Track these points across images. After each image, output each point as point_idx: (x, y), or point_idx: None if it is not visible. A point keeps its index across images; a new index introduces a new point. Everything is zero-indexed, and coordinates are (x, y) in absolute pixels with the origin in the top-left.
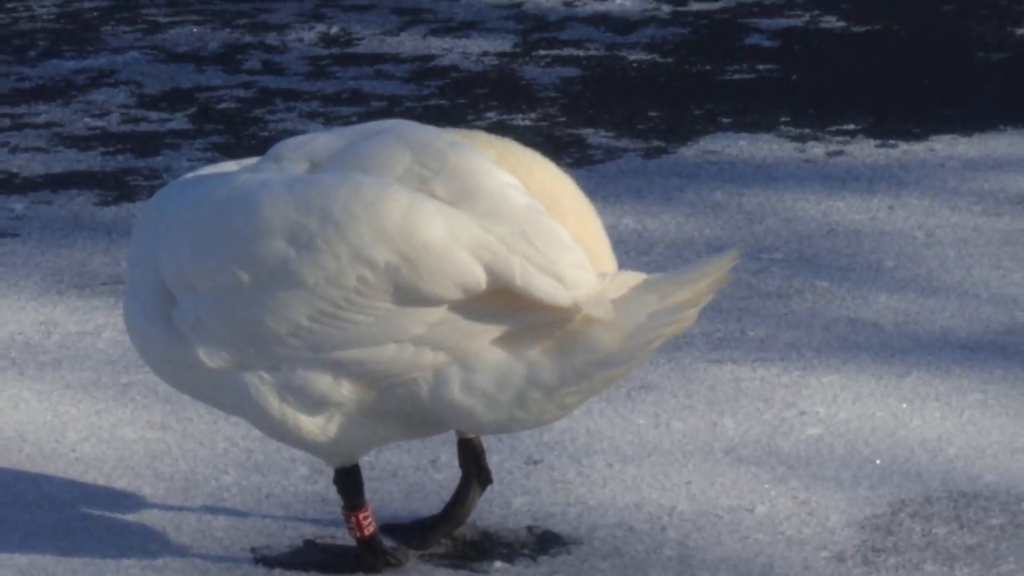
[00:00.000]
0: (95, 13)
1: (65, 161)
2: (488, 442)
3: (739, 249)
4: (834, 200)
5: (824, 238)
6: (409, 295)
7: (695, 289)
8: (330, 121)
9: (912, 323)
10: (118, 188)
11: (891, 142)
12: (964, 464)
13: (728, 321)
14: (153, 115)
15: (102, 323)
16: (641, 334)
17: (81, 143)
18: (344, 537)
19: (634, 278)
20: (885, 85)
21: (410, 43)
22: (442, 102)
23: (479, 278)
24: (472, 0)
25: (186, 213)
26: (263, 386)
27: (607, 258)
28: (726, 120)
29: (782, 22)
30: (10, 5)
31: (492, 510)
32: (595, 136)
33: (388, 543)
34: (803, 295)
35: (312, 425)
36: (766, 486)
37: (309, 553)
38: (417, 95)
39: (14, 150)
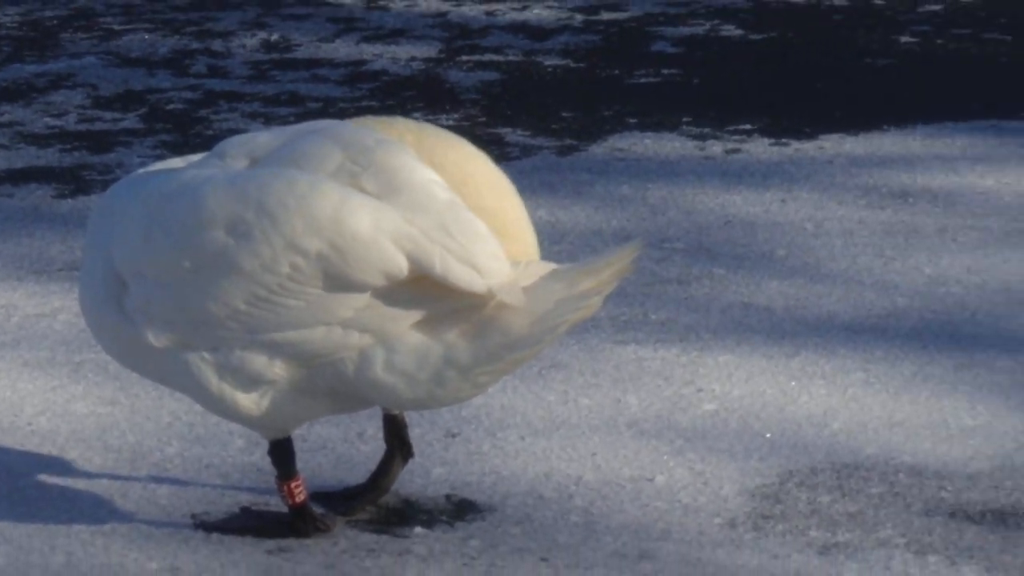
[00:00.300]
0: (55, 21)
1: (26, 157)
2: (410, 417)
3: (640, 242)
4: (731, 194)
5: (721, 229)
6: (338, 282)
7: (600, 278)
8: (270, 121)
9: (801, 307)
10: (74, 182)
11: (784, 141)
12: (847, 437)
13: (632, 305)
14: (107, 115)
15: (58, 306)
16: (549, 319)
17: (41, 141)
18: (277, 504)
19: (544, 267)
20: (779, 88)
21: (344, 49)
22: (373, 103)
23: (402, 266)
24: (401, 10)
25: (137, 206)
26: (204, 365)
27: (525, 229)
28: (633, 120)
29: (685, 30)
30: None
31: (413, 479)
32: (513, 135)
33: (318, 510)
34: (701, 281)
35: (248, 401)
36: (665, 458)
37: (245, 519)
38: (350, 97)
39: None
